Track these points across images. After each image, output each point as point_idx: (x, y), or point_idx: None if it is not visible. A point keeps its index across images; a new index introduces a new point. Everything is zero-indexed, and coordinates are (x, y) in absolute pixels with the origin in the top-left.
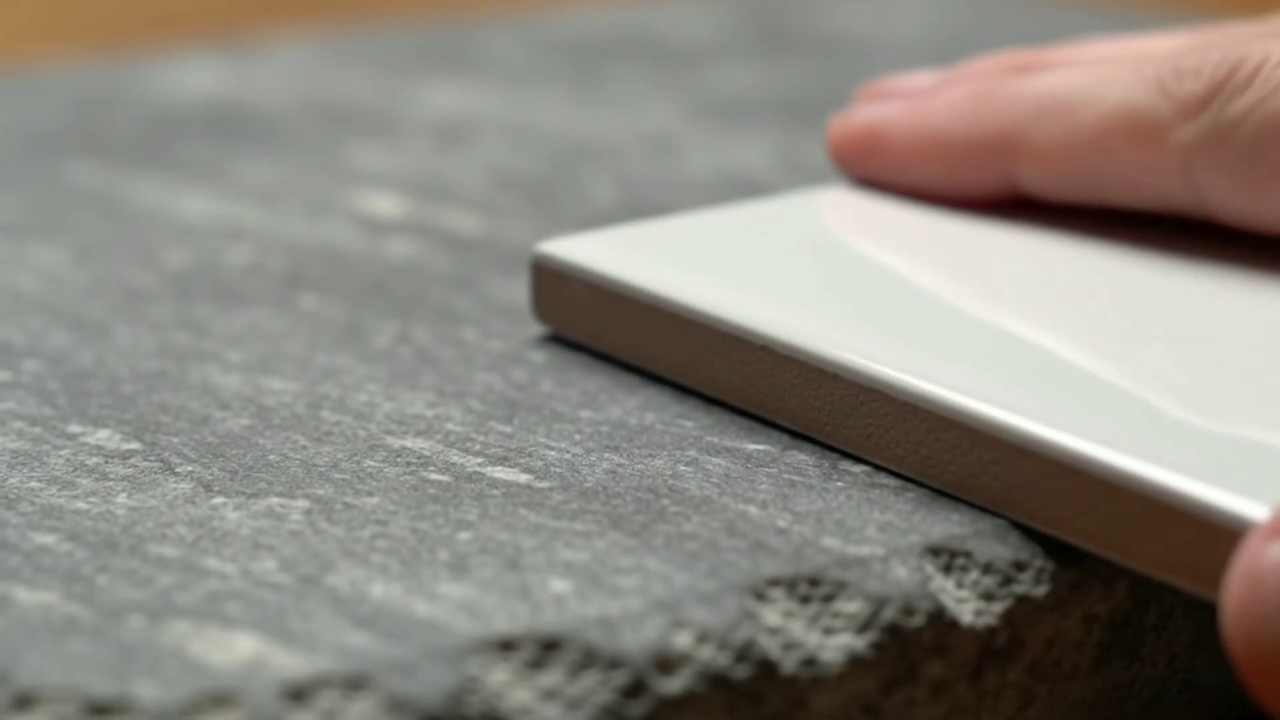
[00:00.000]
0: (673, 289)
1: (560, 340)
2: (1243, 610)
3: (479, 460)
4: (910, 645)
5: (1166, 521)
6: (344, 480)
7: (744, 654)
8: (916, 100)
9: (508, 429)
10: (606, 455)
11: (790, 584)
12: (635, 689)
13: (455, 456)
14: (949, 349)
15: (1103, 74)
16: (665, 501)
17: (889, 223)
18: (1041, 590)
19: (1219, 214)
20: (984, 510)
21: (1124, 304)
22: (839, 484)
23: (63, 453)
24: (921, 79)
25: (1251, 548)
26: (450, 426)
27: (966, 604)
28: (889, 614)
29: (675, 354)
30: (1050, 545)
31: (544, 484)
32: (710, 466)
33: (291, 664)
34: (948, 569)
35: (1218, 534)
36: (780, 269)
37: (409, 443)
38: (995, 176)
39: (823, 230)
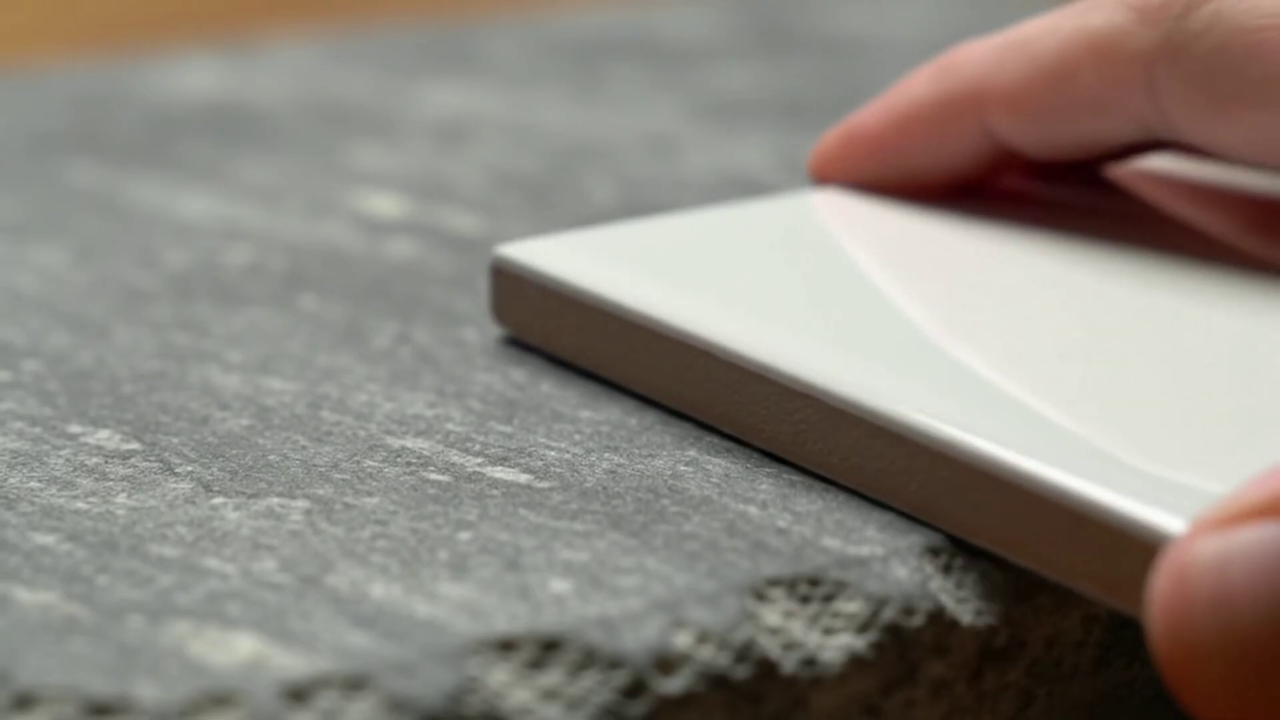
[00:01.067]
0: (614, 293)
1: None
2: (1169, 608)
3: (479, 460)
4: (910, 645)
5: (1086, 534)
6: (344, 480)
7: (744, 654)
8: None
9: (508, 429)
10: (606, 455)
11: (790, 584)
12: (635, 689)
13: (455, 456)
14: (873, 355)
15: (1058, 12)
16: (665, 501)
17: (864, 228)
18: (1042, 590)
19: (1186, 134)
20: None
21: (1078, 318)
22: (839, 484)
23: (63, 453)
24: None
25: (1180, 544)
26: (450, 426)
27: (966, 604)
28: (889, 614)
29: (621, 359)
30: None
31: (544, 484)
32: (710, 466)
33: (291, 664)
34: (948, 569)
35: (1137, 547)
36: (738, 275)
37: (409, 443)
38: (972, 135)
39: (793, 235)
